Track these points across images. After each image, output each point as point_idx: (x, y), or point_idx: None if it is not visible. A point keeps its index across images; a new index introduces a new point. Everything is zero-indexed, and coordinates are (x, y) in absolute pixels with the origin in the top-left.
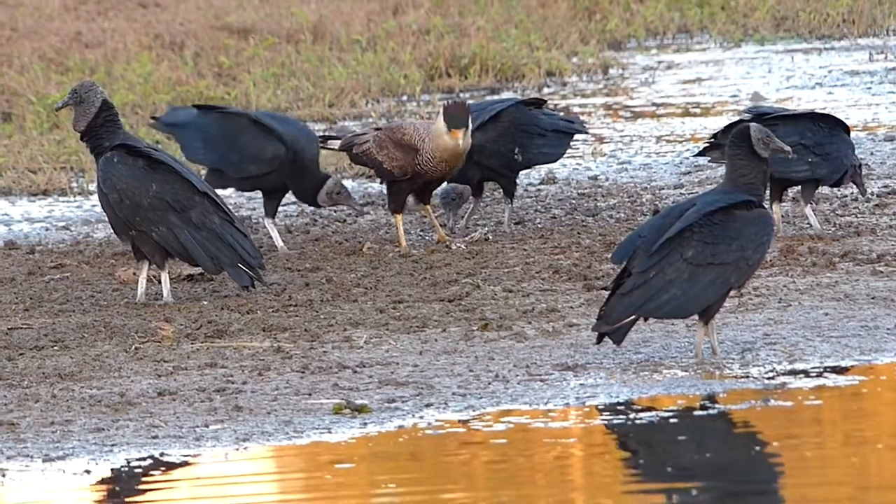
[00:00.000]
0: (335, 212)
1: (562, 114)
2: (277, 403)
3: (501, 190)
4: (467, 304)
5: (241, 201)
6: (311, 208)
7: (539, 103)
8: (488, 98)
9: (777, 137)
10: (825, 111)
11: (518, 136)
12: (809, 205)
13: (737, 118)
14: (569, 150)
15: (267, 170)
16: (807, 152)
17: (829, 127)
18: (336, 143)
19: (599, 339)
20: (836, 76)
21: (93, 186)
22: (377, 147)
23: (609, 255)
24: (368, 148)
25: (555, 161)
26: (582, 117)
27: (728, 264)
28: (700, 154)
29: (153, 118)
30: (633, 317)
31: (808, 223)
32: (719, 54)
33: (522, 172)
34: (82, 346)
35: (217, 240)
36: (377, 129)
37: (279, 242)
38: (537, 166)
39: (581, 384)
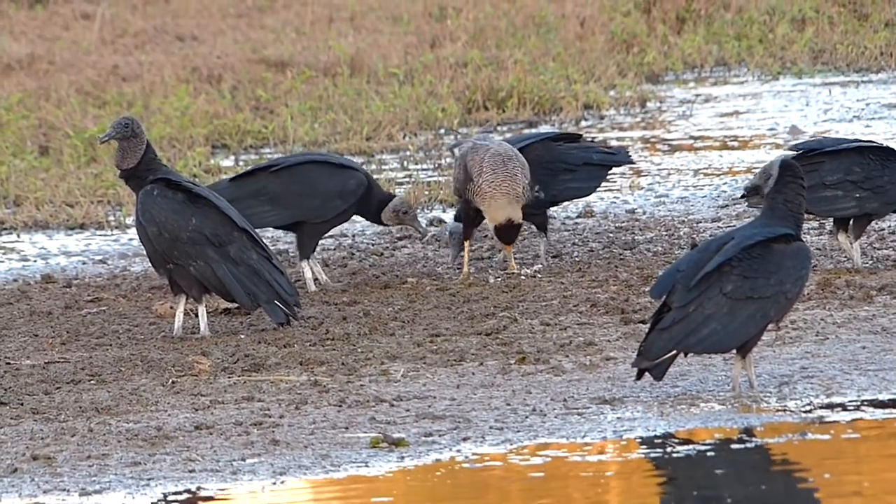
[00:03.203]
0: (372, 245)
1: (600, 146)
2: (314, 437)
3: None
4: (504, 338)
5: (277, 234)
6: (350, 241)
7: (575, 138)
8: (526, 131)
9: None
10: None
11: (540, 174)
12: (857, 240)
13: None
14: (606, 184)
15: (353, 201)
16: (854, 188)
17: (880, 159)
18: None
19: (640, 376)
20: (873, 109)
21: (130, 220)
22: (456, 162)
23: (647, 289)
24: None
25: (586, 195)
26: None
27: (767, 298)
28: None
29: None
30: (674, 352)
31: (846, 256)
32: (757, 87)
33: (560, 206)
34: (119, 379)
35: (254, 275)
36: (476, 142)
37: (322, 277)
38: (572, 201)
39: (618, 417)
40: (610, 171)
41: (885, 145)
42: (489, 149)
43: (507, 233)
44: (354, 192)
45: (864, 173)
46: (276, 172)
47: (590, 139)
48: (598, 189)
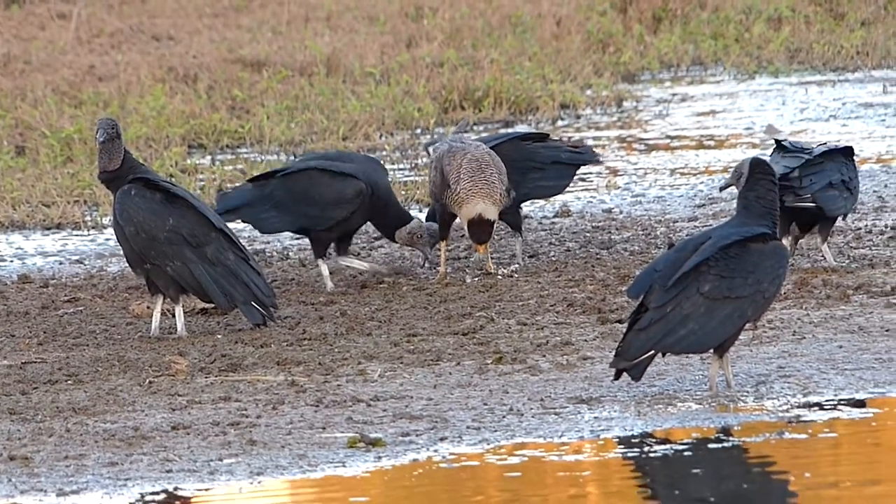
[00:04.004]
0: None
1: (567, 145)
2: (292, 437)
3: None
4: (481, 338)
5: (254, 235)
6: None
7: (542, 137)
8: (501, 131)
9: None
10: (841, 143)
11: (510, 173)
12: (825, 242)
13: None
14: (582, 183)
15: (353, 209)
16: (844, 188)
17: (851, 160)
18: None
19: (618, 376)
20: (850, 108)
21: (106, 220)
22: (432, 165)
23: (623, 289)
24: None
25: (557, 193)
26: (596, 149)
27: (745, 298)
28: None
29: None
30: (652, 352)
31: (822, 256)
32: (733, 86)
33: (536, 205)
34: (96, 379)
35: (231, 276)
36: (451, 144)
37: (363, 266)
38: (546, 199)
39: (595, 417)
40: (578, 170)
41: (847, 146)
42: (466, 153)
43: (480, 230)
44: (352, 201)
45: (849, 174)
46: (282, 178)
47: (566, 138)
48: (569, 187)
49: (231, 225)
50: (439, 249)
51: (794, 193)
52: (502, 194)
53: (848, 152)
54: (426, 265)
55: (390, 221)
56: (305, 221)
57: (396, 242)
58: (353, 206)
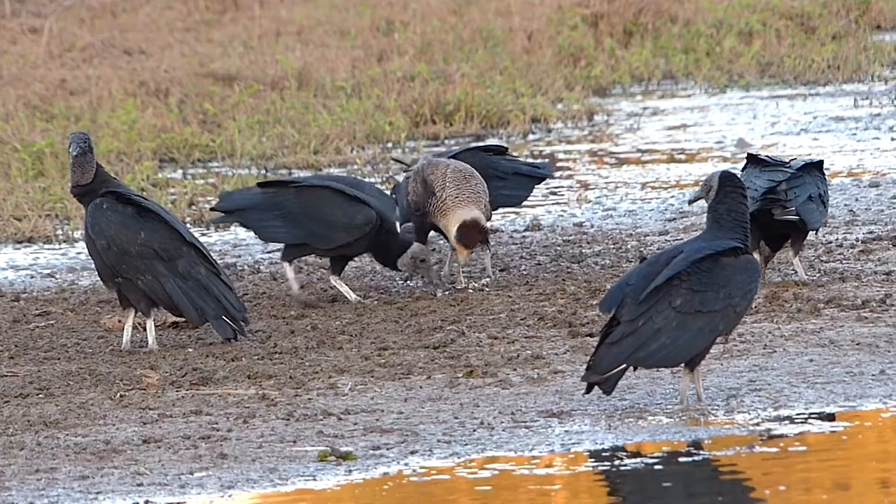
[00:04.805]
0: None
1: (526, 159)
2: (262, 451)
3: None
4: (452, 351)
5: (225, 248)
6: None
7: (501, 150)
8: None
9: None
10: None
11: None
12: (797, 255)
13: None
14: (554, 197)
15: (358, 236)
16: (820, 202)
17: (824, 174)
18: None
19: (589, 389)
20: (821, 122)
21: (78, 234)
22: (413, 177)
23: (594, 302)
24: (410, 174)
25: (517, 204)
26: (568, 163)
27: (716, 312)
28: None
29: (212, 209)
30: (623, 366)
31: (794, 270)
32: (704, 100)
33: (507, 219)
34: (67, 393)
35: (202, 290)
36: (429, 158)
37: (351, 296)
38: (507, 208)
39: (566, 431)
40: (538, 183)
41: (819, 160)
42: (448, 164)
43: (471, 232)
44: (360, 228)
45: (824, 188)
46: (297, 190)
47: (537, 152)
48: (539, 201)
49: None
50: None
51: (782, 206)
52: (486, 205)
53: (820, 166)
54: (439, 291)
55: (393, 252)
56: (308, 238)
57: (400, 271)
58: (361, 233)
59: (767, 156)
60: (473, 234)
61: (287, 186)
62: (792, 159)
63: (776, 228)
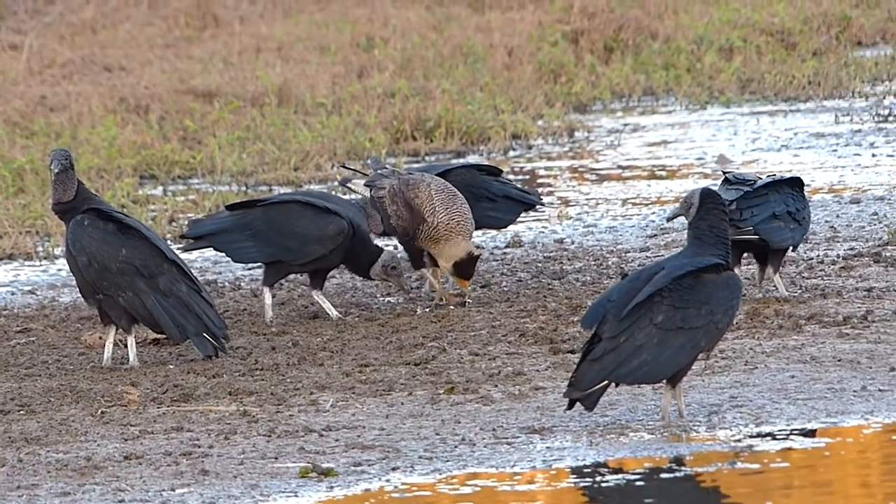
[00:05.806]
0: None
1: (518, 184)
2: (244, 467)
3: None
4: (433, 368)
5: (206, 265)
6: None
7: (496, 172)
8: (454, 161)
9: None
10: (791, 174)
11: (465, 197)
12: (777, 272)
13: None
14: (534, 213)
15: (332, 247)
16: (790, 220)
17: (800, 191)
18: (360, 182)
19: (570, 406)
20: (801, 138)
21: (59, 251)
22: (390, 198)
23: (576, 319)
24: (383, 196)
25: (503, 227)
26: (548, 180)
27: (698, 328)
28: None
29: (181, 236)
30: (605, 382)
31: (775, 286)
32: (685, 117)
33: (488, 235)
34: (48, 410)
35: (183, 308)
36: (400, 175)
37: (332, 312)
38: (491, 230)
39: (548, 447)
40: (525, 210)
41: (795, 176)
42: (427, 183)
43: (467, 267)
44: (334, 238)
45: (795, 205)
46: (264, 208)
47: (518, 168)
48: (516, 222)
49: (187, 255)
50: (419, 278)
51: (734, 226)
52: (472, 222)
53: (796, 183)
54: (405, 296)
55: (364, 260)
56: (283, 254)
57: (372, 279)
58: (335, 243)
59: (735, 175)
60: (471, 268)
61: (255, 206)
62: (770, 176)
63: (742, 247)
